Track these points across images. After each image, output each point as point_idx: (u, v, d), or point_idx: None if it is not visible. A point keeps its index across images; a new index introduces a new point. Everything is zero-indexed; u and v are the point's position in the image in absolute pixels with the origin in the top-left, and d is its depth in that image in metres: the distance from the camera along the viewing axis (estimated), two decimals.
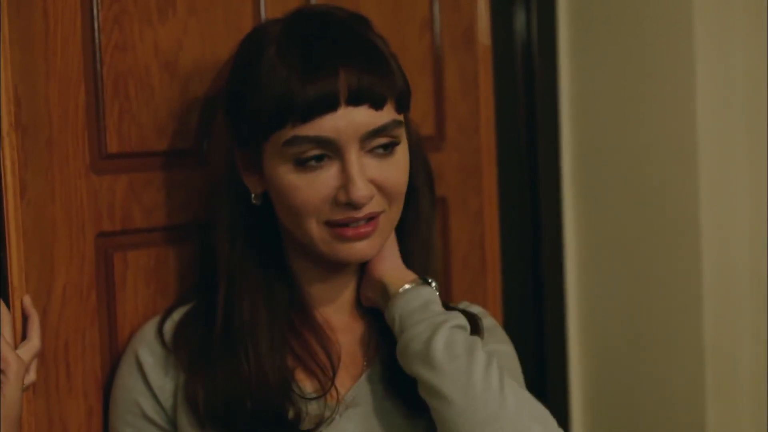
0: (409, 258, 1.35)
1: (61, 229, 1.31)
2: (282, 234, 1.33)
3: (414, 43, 1.70)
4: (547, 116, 1.95)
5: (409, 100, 1.30)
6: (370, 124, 1.22)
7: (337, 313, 1.36)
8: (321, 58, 1.21)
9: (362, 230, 1.25)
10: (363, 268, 1.36)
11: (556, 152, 1.97)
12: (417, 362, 1.23)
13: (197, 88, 1.44)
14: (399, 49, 1.37)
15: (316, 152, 1.21)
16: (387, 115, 1.24)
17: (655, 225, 1.88)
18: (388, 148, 1.24)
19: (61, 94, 1.31)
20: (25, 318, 1.25)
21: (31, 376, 1.23)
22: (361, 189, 1.21)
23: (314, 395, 1.27)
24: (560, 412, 1.99)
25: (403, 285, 1.30)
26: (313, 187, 1.22)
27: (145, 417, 1.30)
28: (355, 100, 1.20)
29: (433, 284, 1.33)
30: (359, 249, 1.26)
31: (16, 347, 1.22)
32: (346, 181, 1.22)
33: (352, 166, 1.21)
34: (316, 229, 1.25)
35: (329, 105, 1.20)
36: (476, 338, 1.25)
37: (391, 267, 1.33)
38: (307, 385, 1.28)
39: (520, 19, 1.92)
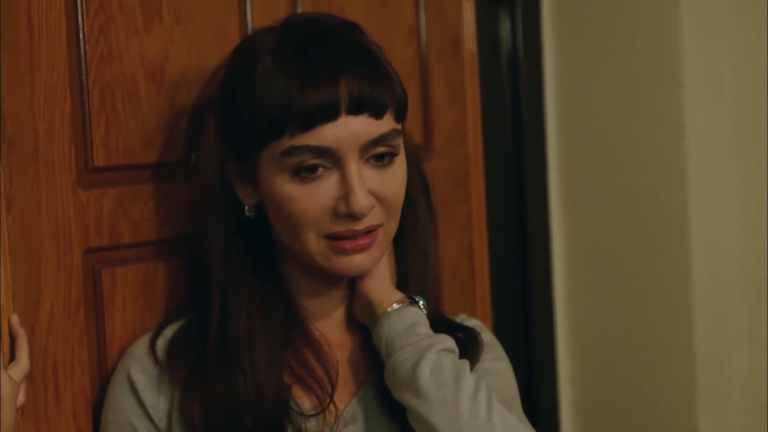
0: (407, 269, 1.33)
1: (48, 245, 1.28)
2: (276, 247, 1.30)
3: (401, 51, 1.68)
4: (534, 124, 1.93)
5: (407, 108, 1.28)
6: (370, 133, 1.19)
7: (333, 328, 1.33)
8: (320, 66, 1.18)
9: (361, 242, 1.22)
10: (355, 283, 1.33)
11: (542, 160, 1.95)
12: (403, 389, 1.21)
13: (184, 98, 1.41)
14: None
15: (315, 162, 1.19)
16: (387, 124, 1.21)
17: (644, 232, 1.87)
18: (387, 159, 1.22)
19: (47, 106, 1.28)
20: (12, 338, 1.21)
21: (21, 399, 1.20)
22: (361, 199, 1.19)
23: (313, 412, 1.24)
24: (550, 420, 1.97)
25: (390, 305, 1.27)
26: (312, 198, 1.20)
27: None
28: (355, 109, 1.18)
29: (421, 303, 1.29)
30: (357, 262, 1.23)
31: (5, 368, 1.18)
32: (346, 191, 1.19)
33: (352, 177, 1.19)
34: (314, 242, 1.22)
35: (330, 114, 1.17)
36: (464, 362, 1.23)
37: (379, 285, 1.30)
38: (305, 401, 1.26)
39: (505, 27, 1.91)
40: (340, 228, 1.21)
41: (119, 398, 1.28)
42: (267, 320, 1.26)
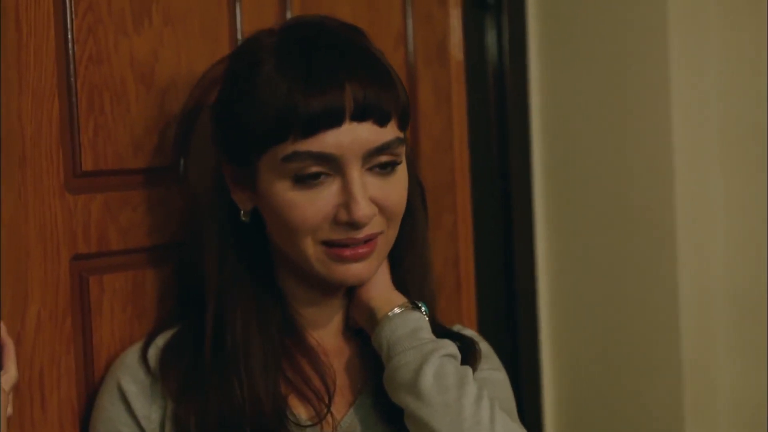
0: (405, 278, 1.30)
1: (35, 251, 1.24)
2: (272, 254, 1.27)
3: (389, 57, 1.60)
4: (519, 132, 1.92)
5: (409, 116, 1.26)
6: (373, 141, 1.17)
7: (330, 336, 1.30)
8: (325, 71, 1.15)
9: (360, 251, 1.19)
10: (352, 291, 1.30)
11: (527, 169, 1.94)
12: (404, 392, 1.18)
13: (173, 102, 1.38)
14: None
15: (317, 169, 1.16)
16: (390, 132, 1.19)
17: (630, 241, 1.87)
18: (390, 167, 1.20)
19: (35, 108, 1.24)
20: None
21: (9, 410, 1.15)
22: (363, 208, 1.16)
23: (310, 423, 1.21)
24: (535, 430, 1.95)
25: (392, 309, 1.24)
26: (314, 205, 1.17)
27: None
28: (359, 116, 1.15)
29: (423, 308, 1.27)
30: (356, 270, 1.21)
31: None
32: (347, 199, 1.17)
33: (354, 184, 1.16)
34: (312, 249, 1.20)
35: (334, 120, 1.14)
36: (467, 368, 1.21)
37: (380, 290, 1.27)
38: (301, 411, 1.23)
39: (491, 34, 1.89)
40: (338, 236, 1.19)
41: (109, 409, 1.24)
42: (263, 328, 1.23)
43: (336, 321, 1.30)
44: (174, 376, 1.22)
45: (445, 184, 1.77)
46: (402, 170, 1.22)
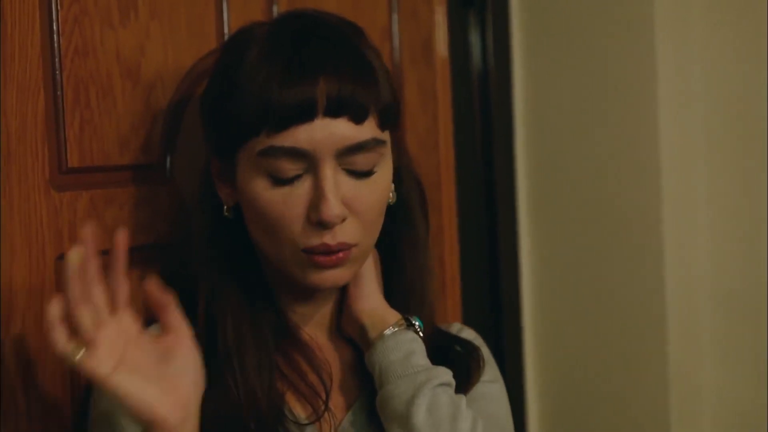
0: (407, 288, 1.27)
1: (20, 251, 1.19)
2: (257, 251, 1.23)
3: None
4: (503, 132, 1.90)
5: (397, 117, 1.21)
6: (348, 138, 1.12)
7: (323, 333, 1.26)
8: (302, 62, 1.12)
9: (335, 258, 1.15)
10: (344, 289, 1.27)
11: (511, 169, 1.91)
12: (396, 425, 1.16)
13: (160, 97, 1.34)
14: None
15: (291, 171, 1.12)
16: (368, 131, 1.14)
17: (616, 244, 1.84)
18: (366, 175, 1.16)
19: (20, 102, 1.19)
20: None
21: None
22: (332, 207, 1.12)
23: (308, 421, 1.18)
24: None
25: (384, 329, 1.21)
26: (287, 203, 1.13)
27: None
28: (333, 111, 1.11)
29: (417, 324, 1.23)
30: (331, 277, 1.17)
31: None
32: (318, 198, 1.13)
33: (325, 182, 1.12)
34: (288, 251, 1.16)
35: (306, 114, 1.10)
36: (461, 397, 1.18)
37: (371, 304, 1.24)
38: (299, 410, 1.19)
39: (475, 32, 1.87)
40: (314, 242, 1.14)
41: (108, 405, 1.18)
42: (255, 325, 1.19)
43: (329, 318, 1.27)
44: None
45: (431, 183, 1.73)
46: (382, 173, 1.17)
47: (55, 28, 1.23)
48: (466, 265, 1.83)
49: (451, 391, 1.18)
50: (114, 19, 1.28)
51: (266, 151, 1.12)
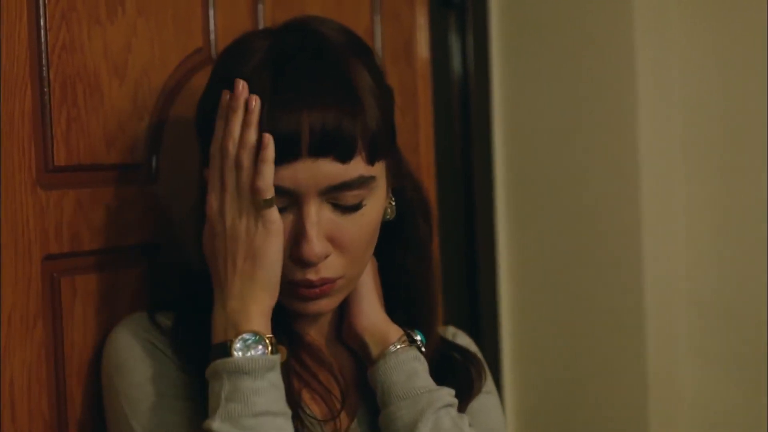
0: (410, 299, 1.25)
1: (6, 250, 1.16)
2: None
3: None
4: (481, 135, 1.89)
5: (388, 143, 1.16)
6: (333, 178, 1.09)
7: (323, 339, 1.25)
8: (286, 95, 1.08)
9: (318, 291, 1.13)
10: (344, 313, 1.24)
11: (489, 174, 1.91)
12: None
13: (146, 95, 1.31)
14: None
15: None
16: (355, 169, 1.10)
17: (595, 245, 1.85)
18: (353, 209, 1.12)
19: (7, 98, 1.16)
20: None
21: None
22: (314, 247, 1.09)
23: (324, 419, 1.16)
24: None
25: (386, 346, 1.19)
26: None
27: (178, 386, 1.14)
28: (317, 150, 1.07)
29: (419, 338, 1.21)
30: (316, 306, 1.15)
31: None
32: (299, 235, 1.10)
33: (307, 220, 1.09)
34: None
35: (289, 154, 1.07)
36: (463, 417, 1.16)
37: (373, 321, 1.21)
38: (314, 407, 1.18)
39: (454, 34, 1.86)
40: (297, 276, 1.12)
41: (141, 363, 1.15)
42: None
43: (329, 325, 1.25)
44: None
45: None
46: (371, 207, 1.14)
47: (42, 23, 1.20)
48: (444, 269, 1.82)
49: (454, 411, 1.16)
50: (101, 14, 1.26)
51: None
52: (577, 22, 1.84)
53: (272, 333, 1.10)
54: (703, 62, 1.83)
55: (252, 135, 1.07)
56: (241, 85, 1.08)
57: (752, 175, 1.81)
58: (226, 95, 1.10)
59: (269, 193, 1.07)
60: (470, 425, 1.16)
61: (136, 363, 1.16)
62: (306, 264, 1.11)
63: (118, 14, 1.28)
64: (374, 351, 1.19)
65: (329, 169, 1.08)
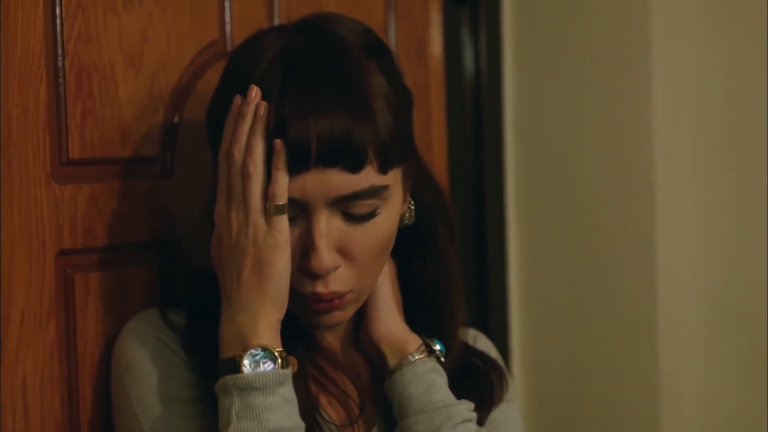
0: (430, 306, 1.21)
1: (19, 246, 1.12)
2: None
3: None
4: (493, 133, 1.87)
5: (403, 150, 1.10)
6: (343, 189, 1.04)
7: (339, 344, 1.21)
8: (295, 100, 1.03)
9: (327, 305, 1.09)
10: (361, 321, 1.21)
11: (500, 172, 1.89)
12: None
13: (162, 87, 1.28)
14: None
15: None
16: (366, 179, 1.05)
17: (607, 246, 1.83)
18: (365, 218, 1.08)
19: (21, 89, 1.12)
20: None
21: None
22: (323, 260, 1.05)
23: (342, 424, 1.13)
24: None
25: (404, 357, 1.15)
26: None
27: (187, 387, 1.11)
28: (326, 160, 1.02)
29: (438, 348, 1.18)
30: (328, 319, 1.11)
31: None
32: (308, 246, 1.06)
33: (316, 231, 1.05)
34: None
35: (298, 164, 1.02)
36: (482, 431, 1.13)
37: (391, 331, 1.18)
38: (331, 412, 1.15)
39: (467, 32, 1.84)
40: (306, 289, 1.08)
41: (150, 364, 1.12)
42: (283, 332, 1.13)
43: (346, 331, 1.21)
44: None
45: None
46: (383, 216, 1.09)
47: (58, 12, 1.16)
48: None
49: (473, 426, 1.13)
50: (117, 3, 1.22)
51: None
52: (590, 20, 1.82)
53: (288, 338, 1.07)
54: (717, 61, 1.81)
55: (259, 143, 1.03)
56: (255, 92, 1.04)
57: (766, 175, 1.79)
58: (237, 100, 1.06)
59: (282, 199, 1.03)
60: None
61: (147, 364, 1.13)
62: (315, 276, 1.07)
63: (134, 3, 1.24)
64: (392, 361, 1.16)
65: (338, 180, 1.04)
